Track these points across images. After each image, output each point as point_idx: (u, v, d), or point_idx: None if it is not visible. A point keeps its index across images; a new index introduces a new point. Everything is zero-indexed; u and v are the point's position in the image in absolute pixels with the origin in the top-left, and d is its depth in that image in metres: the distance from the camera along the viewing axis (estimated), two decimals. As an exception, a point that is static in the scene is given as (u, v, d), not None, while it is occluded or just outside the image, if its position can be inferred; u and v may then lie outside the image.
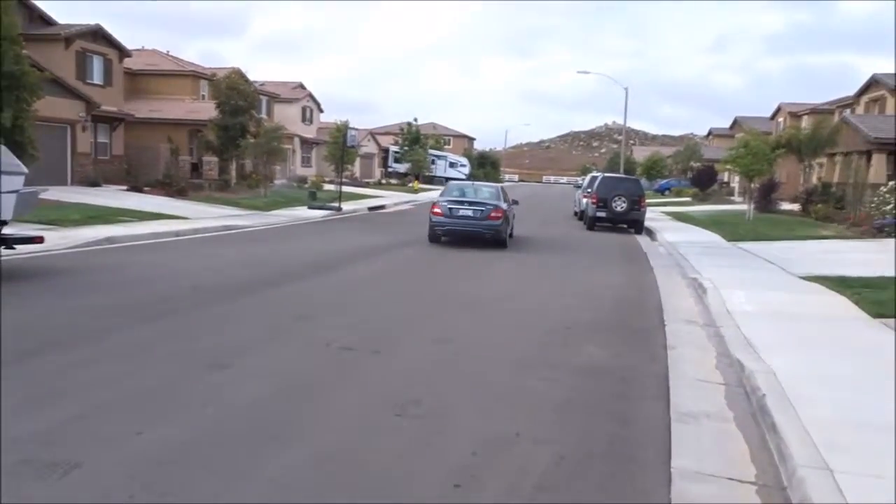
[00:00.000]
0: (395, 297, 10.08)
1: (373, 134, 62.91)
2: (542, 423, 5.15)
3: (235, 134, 30.82)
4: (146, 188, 26.71)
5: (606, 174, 28.37)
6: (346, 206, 28.11)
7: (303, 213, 25.21)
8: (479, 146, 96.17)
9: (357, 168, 54.76)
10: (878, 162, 28.51)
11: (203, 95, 38.48)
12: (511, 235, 18.31)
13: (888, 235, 19.87)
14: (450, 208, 16.87)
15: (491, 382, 6.15)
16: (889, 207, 21.41)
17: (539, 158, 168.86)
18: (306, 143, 50.62)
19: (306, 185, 36.58)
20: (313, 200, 28.18)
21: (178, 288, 9.68)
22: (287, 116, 45.61)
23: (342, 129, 33.76)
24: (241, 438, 4.58)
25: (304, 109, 51.75)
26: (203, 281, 10.34)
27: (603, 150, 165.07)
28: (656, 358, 7.16)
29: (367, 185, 49.39)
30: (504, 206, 17.02)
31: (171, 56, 41.30)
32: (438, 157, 65.31)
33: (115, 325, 7.30)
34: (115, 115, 30.42)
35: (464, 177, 66.79)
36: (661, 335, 8.24)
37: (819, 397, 5.61)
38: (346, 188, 37.21)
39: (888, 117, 32.24)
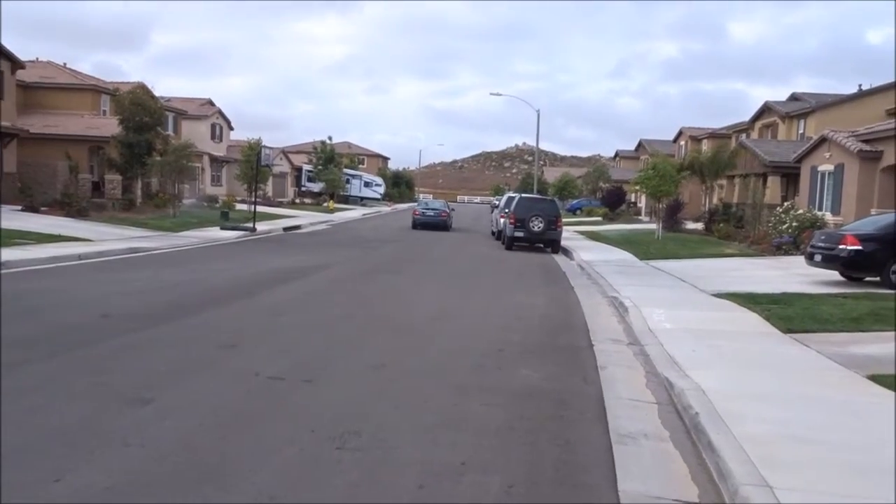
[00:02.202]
0: (323, 321, 9.81)
1: (285, 152, 61.81)
2: (486, 450, 5.07)
3: (141, 151, 29.56)
4: (43, 208, 25.17)
5: (524, 195, 28.90)
6: (260, 226, 27.41)
7: (215, 233, 24.37)
8: (393, 165, 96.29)
9: (270, 187, 53.60)
10: (774, 183, 30.35)
11: (104, 111, 36.74)
12: (450, 227, 34.56)
13: (786, 253, 21.10)
14: (423, 211, 34.94)
15: (430, 409, 6.03)
16: (785, 227, 22.74)
17: (453, 178, 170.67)
18: (216, 162, 49.20)
19: (217, 205, 35.48)
20: (225, 221, 27.35)
21: (88, 316, 9.09)
22: (196, 133, 44.21)
23: (255, 147, 32.98)
24: (171, 481, 4.27)
25: (213, 126, 50.32)
26: (114, 308, 9.75)
27: (514, 171, 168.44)
28: (589, 379, 7.24)
29: (280, 204, 48.39)
30: (447, 210, 35.29)
31: (69, 69, 39.28)
32: (353, 176, 64.89)
33: (21, 359, 6.73)
34: (6, 130, 28.54)
35: (379, 196, 66.74)
36: (590, 355, 8.35)
37: (749, 413, 5.79)
38: (259, 208, 36.34)
39: (781, 142, 34.43)
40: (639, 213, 48.75)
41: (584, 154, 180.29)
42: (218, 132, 51.15)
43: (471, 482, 4.47)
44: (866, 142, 23.32)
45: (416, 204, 43.36)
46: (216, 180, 49.36)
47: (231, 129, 53.78)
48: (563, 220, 31.49)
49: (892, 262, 13.72)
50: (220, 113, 51.84)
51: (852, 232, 14.57)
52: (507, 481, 4.49)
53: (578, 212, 56.22)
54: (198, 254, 18.65)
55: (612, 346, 9.00)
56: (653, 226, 31.44)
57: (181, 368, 6.84)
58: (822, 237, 15.34)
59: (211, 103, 51.77)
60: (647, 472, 4.79)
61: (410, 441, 5.18)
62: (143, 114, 29.90)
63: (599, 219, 46.54)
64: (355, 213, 47.95)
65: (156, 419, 5.32)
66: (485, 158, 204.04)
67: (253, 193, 30.17)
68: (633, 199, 53.34)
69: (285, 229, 29.43)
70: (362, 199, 63.32)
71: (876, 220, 15.34)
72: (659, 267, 18.67)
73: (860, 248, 13.92)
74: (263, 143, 33.84)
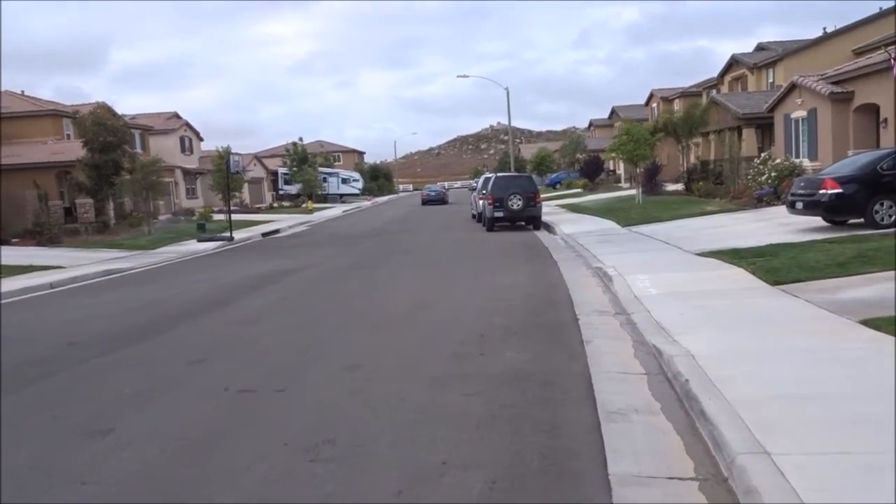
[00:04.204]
0: (297, 325, 9.47)
1: (258, 157, 61.12)
2: (468, 446, 4.78)
3: (108, 172, 29.00)
4: (14, 239, 24.61)
5: (499, 174, 28.54)
6: (238, 234, 26.96)
7: (192, 247, 23.92)
8: (369, 159, 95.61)
9: (246, 194, 52.98)
10: (749, 136, 30.17)
11: (68, 135, 36.04)
12: (447, 201, 50.38)
13: (767, 204, 20.93)
14: (428, 193, 53.06)
15: (408, 407, 5.73)
16: (764, 178, 22.56)
17: (431, 165, 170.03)
18: (189, 174, 48.48)
19: (194, 218, 34.93)
20: (202, 232, 26.89)
21: (52, 347, 8.70)
22: (165, 148, 43.51)
23: (224, 156, 32.42)
24: (128, 518, 3.95)
25: (182, 139, 49.57)
26: (81, 334, 9.37)
27: (492, 152, 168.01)
28: (574, 355, 6.96)
29: (258, 210, 47.87)
30: (444, 190, 57.23)
31: (27, 96, 38.47)
32: (330, 174, 64.28)
33: (-26, 401, 6.36)
34: (-31, 165, 27.90)
35: (357, 191, 66.22)
36: (575, 330, 8.07)
37: (740, 375, 5.53)
38: (236, 216, 35.80)
39: (752, 94, 34.23)
40: (619, 181, 48.55)
41: (558, 128, 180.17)
42: (188, 144, 50.41)
43: (452, 482, 4.17)
44: (836, 84, 23.12)
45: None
46: (191, 193, 48.66)
47: (201, 139, 53.02)
48: (544, 195, 31.27)
49: (875, 202, 13.52)
50: (188, 125, 51.08)
51: (831, 175, 14.37)
52: (490, 477, 4.20)
53: (558, 185, 55.98)
54: (174, 269, 18.22)
55: (597, 318, 8.72)
56: (633, 192, 31.21)
57: (146, 391, 6.48)
58: (802, 184, 15.13)
59: (177, 116, 51.01)
60: (639, 449, 4.51)
61: (388, 444, 4.88)
62: (106, 134, 29.29)
63: (580, 190, 46.31)
64: (335, 210, 47.47)
65: (115, 450, 4.98)
66: (461, 143, 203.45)
67: (227, 202, 29.63)
68: (611, 168, 53.13)
69: (264, 235, 28.98)
70: (341, 196, 62.77)
71: (854, 161, 15.14)
72: (641, 232, 18.44)
73: (841, 190, 13.71)
74: (232, 151, 33.27)
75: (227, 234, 25.73)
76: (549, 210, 30.25)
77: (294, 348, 8.09)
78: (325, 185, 61.60)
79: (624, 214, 23.17)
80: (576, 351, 7.11)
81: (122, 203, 32.49)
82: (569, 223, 23.31)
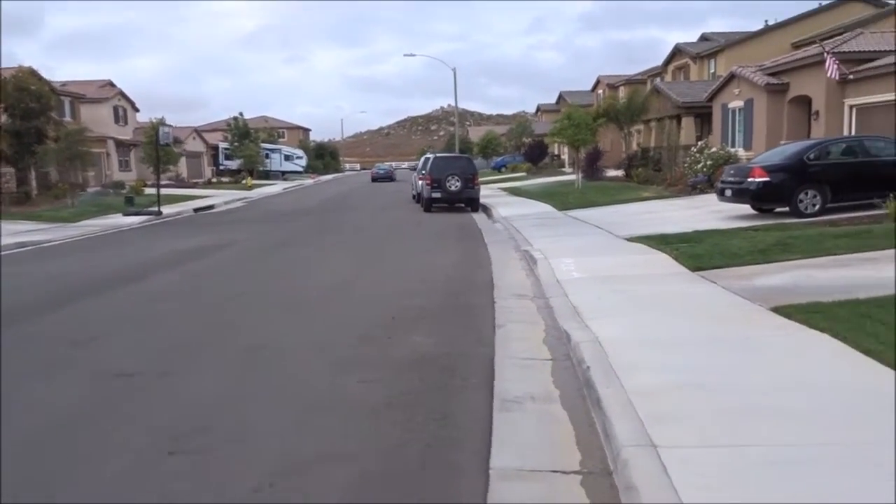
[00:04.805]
0: (207, 304, 8.98)
1: (198, 131, 59.22)
2: (353, 435, 4.47)
3: (30, 140, 27.51)
4: (-77, 210, 23.13)
5: (438, 154, 28.16)
6: (169, 209, 25.97)
7: (117, 220, 22.88)
8: (316, 137, 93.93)
9: (184, 168, 51.36)
10: (688, 124, 30.48)
11: (-9, 100, 34.07)
12: (395, 179, 54.85)
13: (701, 191, 21.13)
14: (377, 172, 58.59)
15: (302, 392, 5.39)
16: (700, 166, 22.78)
17: (380, 145, 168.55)
18: (123, 146, 46.58)
19: (124, 191, 33.54)
20: (130, 206, 25.79)
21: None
22: (98, 118, 41.71)
23: (155, 127, 31.16)
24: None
25: (116, 109, 47.54)
26: (-33, 311, 8.67)
27: (441, 133, 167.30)
28: (484, 340, 6.71)
29: (195, 185, 46.38)
30: (392, 169, 61.72)
31: (-55, 57, 36.19)
32: (272, 150, 62.74)
33: None
34: None
35: (301, 169, 64.92)
36: (490, 314, 7.83)
37: (645, 362, 5.35)
38: (171, 190, 34.60)
39: (694, 83, 34.62)
40: (563, 166, 48.74)
41: (508, 112, 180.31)
42: (122, 114, 48.38)
43: (318, 476, 3.85)
44: (773, 75, 23.48)
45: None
46: (125, 165, 46.79)
47: (136, 110, 50.93)
48: (489, 178, 31.13)
49: (800, 191, 13.68)
50: (123, 94, 48.99)
51: (760, 164, 14.49)
52: (362, 471, 3.90)
53: (503, 169, 55.89)
54: (93, 243, 17.33)
55: (515, 301, 8.50)
56: (575, 176, 31.27)
57: (13, 377, 5.93)
58: (732, 172, 15.24)
59: (111, 85, 48.83)
60: (527, 441, 4.27)
61: (267, 433, 4.54)
62: (29, 99, 27.82)
63: (524, 174, 46.30)
64: (275, 188, 46.36)
65: (-41, 442, 4.49)
66: (411, 123, 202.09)
67: (157, 175, 28.50)
68: (556, 152, 53.31)
69: (196, 210, 27.99)
70: (284, 173, 61.38)
71: (782, 151, 15.31)
72: (577, 216, 18.38)
73: (768, 179, 13.83)
74: (171, 123, 32.03)
75: (156, 208, 24.72)
76: (490, 193, 30.10)
77: (196, 328, 7.64)
78: (268, 161, 60.13)
79: (562, 199, 23.13)
80: (486, 335, 6.86)
81: (47, 173, 30.96)
82: (507, 206, 23.15)
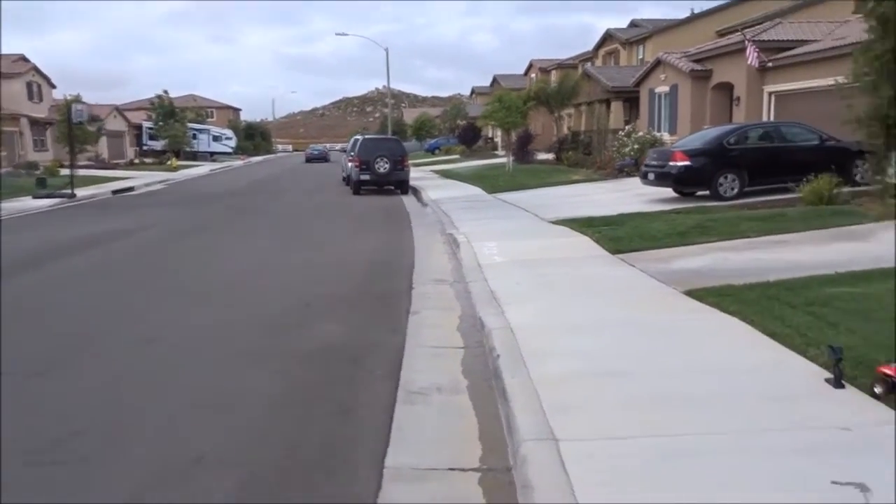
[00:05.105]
0: (106, 293, 8.43)
1: (120, 110, 56.70)
2: (243, 435, 4.17)
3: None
4: None
5: (367, 136, 27.64)
6: (84, 191, 24.68)
7: (26, 203, 21.58)
8: (247, 117, 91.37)
9: (104, 148, 49.15)
10: (617, 109, 30.86)
11: None
12: (329, 159, 56.53)
13: (628, 175, 21.37)
14: (311, 152, 61.24)
15: (195, 388, 5.04)
16: (627, 150, 23.03)
17: (314, 126, 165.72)
18: (38, 124, 44.12)
19: (37, 172, 31.76)
20: (41, 188, 24.39)
21: None
22: (9, 94, 39.36)
23: (69, 104, 29.55)
24: None
25: (29, 85, 45.01)
26: None
27: (377, 115, 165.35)
28: (396, 328, 6.46)
29: (116, 166, 44.41)
30: (326, 150, 63.94)
31: None
32: (200, 130, 60.60)
33: None
34: None
35: (230, 150, 63.06)
36: (406, 300, 7.59)
37: (556, 349, 5.21)
38: (89, 171, 32.98)
39: (623, 68, 35.03)
40: (496, 148, 48.79)
41: (444, 94, 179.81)
42: (36, 91, 45.87)
43: (197, 484, 3.54)
44: (697, 62, 23.90)
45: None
46: (40, 145, 44.38)
47: (53, 86, 48.34)
48: (422, 160, 30.75)
49: (720, 175, 13.91)
50: (37, 70, 46.41)
51: (681, 148, 14.67)
52: (249, 474, 3.61)
53: (437, 151, 55.64)
54: (-6, 228, 16.24)
55: (433, 287, 8.29)
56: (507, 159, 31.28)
57: None
58: (655, 155, 15.40)
59: (24, 59, 46.19)
60: (428, 436, 4.07)
61: (149, 435, 4.19)
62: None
63: (457, 157, 46.15)
64: (202, 169, 44.79)
65: None
66: (346, 104, 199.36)
67: (71, 155, 27.06)
68: (490, 135, 53.34)
69: (114, 192, 26.71)
70: (212, 154, 59.41)
71: (703, 135, 15.54)
72: (506, 199, 18.30)
73: (689, 163, 14.00)
74: (81, 100, 30.43)
75: (69, 190, 23.46)
76: (422, 175, 29.81)
77: (88, 320, 7.13)
78: (195, 141, 58.05)
79: (492, 182, 23.03)
80: (399, 323, 6.62)
81: (-50, 153, 29.01)
82: (437, 189, 22.92)
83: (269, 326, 6.66)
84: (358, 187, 22.59)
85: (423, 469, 3.64)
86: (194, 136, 57.81)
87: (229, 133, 65.18)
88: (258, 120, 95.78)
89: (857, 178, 13.16)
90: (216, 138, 61.84)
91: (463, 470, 3.64)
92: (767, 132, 15.06)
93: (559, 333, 5.69)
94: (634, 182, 19.10)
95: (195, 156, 56.12)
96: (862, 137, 11.63)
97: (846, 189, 12.50)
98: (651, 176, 14.84)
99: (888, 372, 3.91)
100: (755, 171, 13.88)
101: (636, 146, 22.74)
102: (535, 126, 36.79)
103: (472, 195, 20.32)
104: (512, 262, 9.19)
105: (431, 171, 33.91)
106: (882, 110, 10.40)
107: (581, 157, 27.54)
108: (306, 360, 5.59)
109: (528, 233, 11.95)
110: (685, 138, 16.81)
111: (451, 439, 4.03)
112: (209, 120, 71.38)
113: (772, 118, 19.91)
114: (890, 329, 5.03)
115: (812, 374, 4.38)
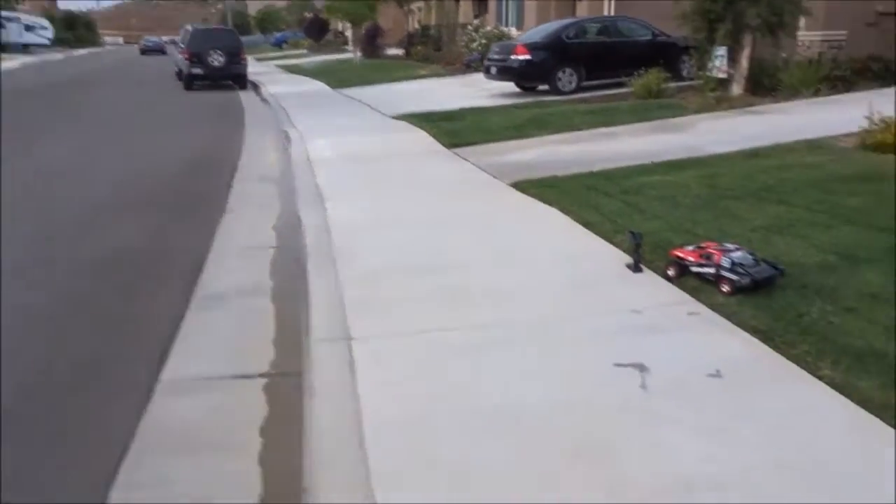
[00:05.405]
0: None
1: None
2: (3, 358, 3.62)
3: None
4: None
5: (198, 27, 25.33)
6: None
7: None
8: (66, 5, 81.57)
9: None
10: (466, 3, 30.15)
11: None
12: (167, 52, 42.47)
13: (475, 70, 21.11)
14: (145, 44, 55.47)
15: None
16: (475, 45, 22.67)
17: (148, 18, 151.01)
18: None
19: None
20: None
21: None
22: None
23: None
24: None
25: None
26: None
27: (219, 6, 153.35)
28: (206, 229, 5.94)
29: None
30: (164, 42, 53.23)
31: None
32: (8, 19, 53.33)
33: None
34: None
35: (47, 42, 56.35)
36: (223, 199, 7.02)
37: (372, 246, 4.95)
38: None
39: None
40: (346, 43, 46.72)
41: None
42: None
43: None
44: (542, -46, 23.54)
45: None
46: None
47: None
48: (267, 54, 28.70)
49: (558, 69, 13.93)
50: None
51: (522, 42, 14.51)
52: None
53: (284, 45, 52.59)
54: None
55: (256, 185, 7.74)
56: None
57: None
58: (497, 50, 15.16)
59: None
60: (217, 342, 3.73)
61: None
62: None
63: (304, 51, 43.84)
64: (12, 63, 39.68)
65: None
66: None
67: None
68: (340, 29, 50.94)
69: None
70: (25, 46, 52.75)
71: (544, 29, 15.44)
72: (349, 95, 17.53)
73: (529, 57, 13.89)
74: None
75: None
76: (265, 69, 28.07)
77: None
78: (3, 31, 51.13)
79: (338, 76, 22.02)
80: (209, 223, 6.08)
81: None
82: (279, 84, 21.59)
83: (52, 234, 5.90)
84: (190, 82, 20.81)
85: (205, 378, 3.32)
86: (1, 26, 50.86)
87: (45, 23, 57.96)
88: (81, 10, 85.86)
89: (684, 73, 13.62)
90: (29, 28, 54.78)
91: (249, 377, 3.35)
92: (605, 26, 15.18)
93: (377, 230, 5.42)
94: (481, 77, 18.90)
95: (4, 48, 49.54)
96: (687, 32, 12.00)
97: (674, 84, 12.93)
98: (493, 70, 14.65)
99: (680, 255, 3.99)
100: (592, 66, 14.02)
101: (484, 41, 22.41)
102: (385, 21, 35.40)
103: (314, 90, 19.34)
104: (344, 157, 8.77)
105: (275, 65, 31.97)
106: (705, 5, 10.67)
107: (431, 53, 26.89)
108: (89, 269, 4.98)
109: (366, 128, 11.46)
110: (527, 32, 16.67)
111: (244, 345, 3.72)
112: (20, 6, 62.90)
113: (612, 13, 20.15)
114: (692, 214, 5.21)
115: (616, 260, 4.42)
